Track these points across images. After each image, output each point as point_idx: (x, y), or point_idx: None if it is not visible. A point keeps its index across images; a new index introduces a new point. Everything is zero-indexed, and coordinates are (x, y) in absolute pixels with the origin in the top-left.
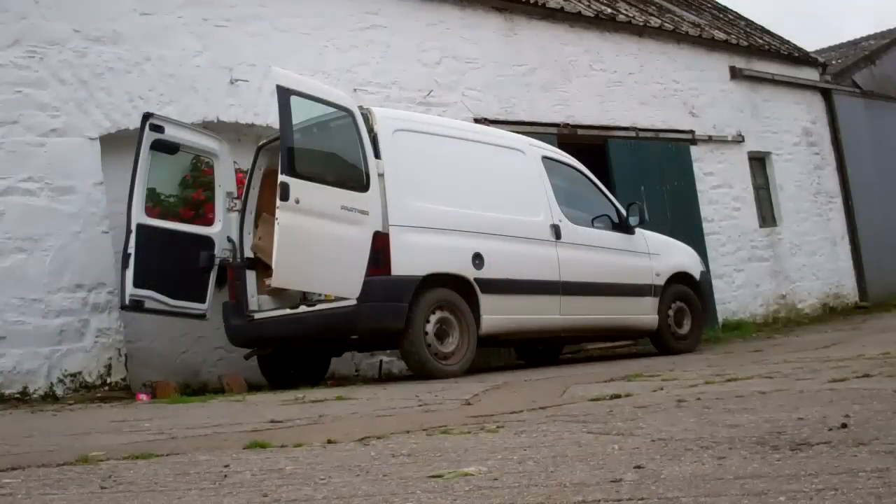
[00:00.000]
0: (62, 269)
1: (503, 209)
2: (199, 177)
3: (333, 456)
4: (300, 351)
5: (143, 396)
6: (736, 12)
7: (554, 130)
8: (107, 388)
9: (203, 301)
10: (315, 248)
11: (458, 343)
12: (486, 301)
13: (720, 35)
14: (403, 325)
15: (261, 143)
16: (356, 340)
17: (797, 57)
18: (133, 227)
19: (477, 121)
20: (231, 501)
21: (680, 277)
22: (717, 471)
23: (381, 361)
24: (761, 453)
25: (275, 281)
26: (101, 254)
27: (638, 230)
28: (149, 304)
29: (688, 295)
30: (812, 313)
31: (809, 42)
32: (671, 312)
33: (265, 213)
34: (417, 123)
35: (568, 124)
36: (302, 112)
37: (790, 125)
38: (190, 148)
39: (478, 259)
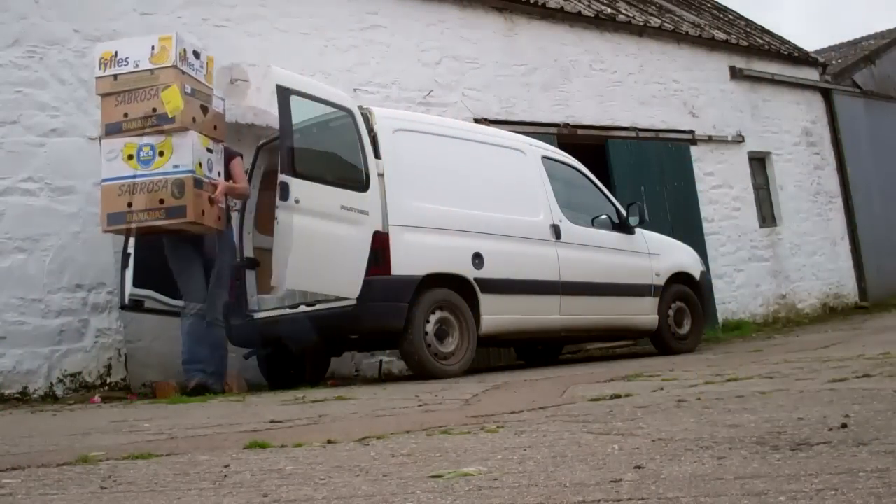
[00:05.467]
0: (62, 269)
1: (503, 209)
2: None
3: (333, 456)
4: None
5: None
6: (736, 12)
7: (554, 130)
8: (107, 388)
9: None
10: (315, 248)
11: (458, 343)
12: (486, 301)
13: (720, 35)
14: (403, 325)
15: (261, 143)
16: (356, 340)
17: (797, 57)
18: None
19: (477, 121)
20: (231, 501)
21: (680, 277)
22: (717, 471)
23: (381, 361)
24: (761, 453)
25: (274, 281)
26: (101, 254)
27: (638, 230)
28: (149, 304)
29: (688, 295)
30: (812, 313)
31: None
32: (671, 312)
33: (265, 213)
34: (417, 123)
35: (568, 124)
36: (302, 112)
37: (790, 125)
38: None
39: (478, 259)
